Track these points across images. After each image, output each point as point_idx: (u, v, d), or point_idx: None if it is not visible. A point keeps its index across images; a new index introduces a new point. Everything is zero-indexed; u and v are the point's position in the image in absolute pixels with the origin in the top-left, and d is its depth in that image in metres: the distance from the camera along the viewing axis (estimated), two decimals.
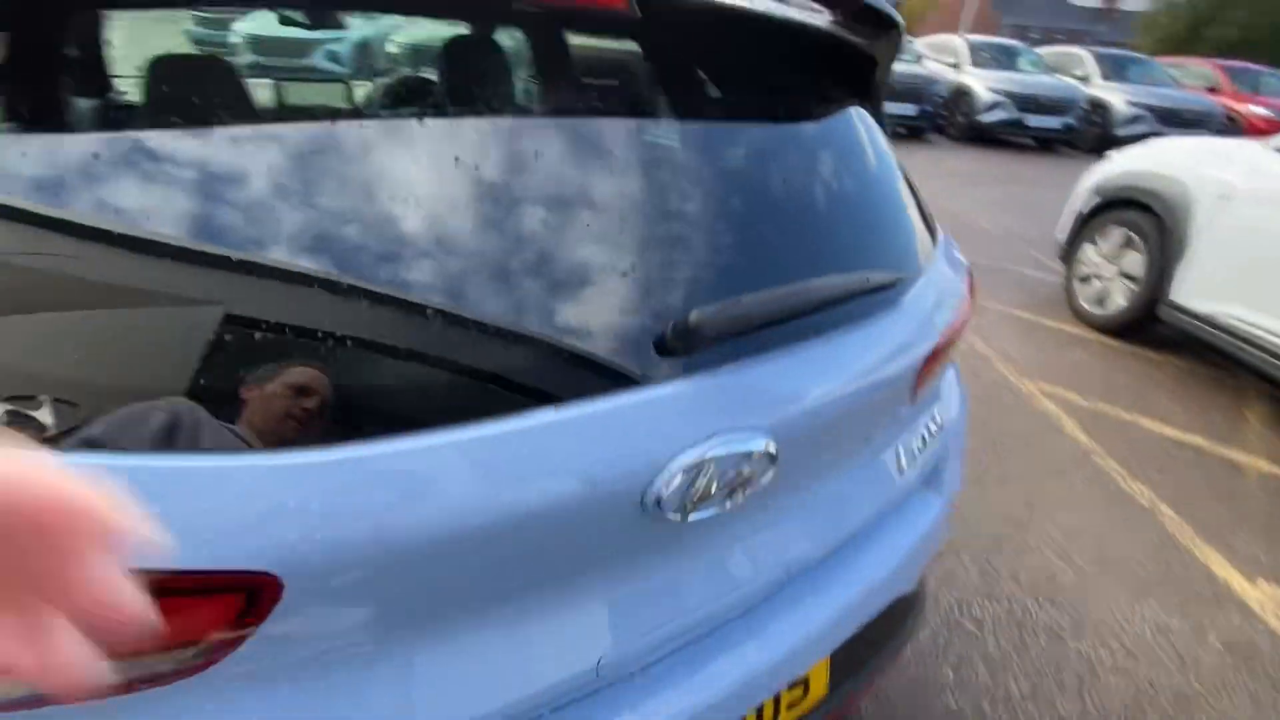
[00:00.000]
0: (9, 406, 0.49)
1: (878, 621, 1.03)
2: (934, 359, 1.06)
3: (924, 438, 1.14)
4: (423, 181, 0.65)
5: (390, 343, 0.60)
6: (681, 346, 0.69)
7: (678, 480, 0.67)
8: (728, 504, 0.73)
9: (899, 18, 1.11)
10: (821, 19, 1.07)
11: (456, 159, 0.66)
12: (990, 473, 2.46)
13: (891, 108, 9.60)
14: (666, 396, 0.69)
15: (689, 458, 0.68)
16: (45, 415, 0.50)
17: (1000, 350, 3.48)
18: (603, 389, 0.66)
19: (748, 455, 0.72)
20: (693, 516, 0.70)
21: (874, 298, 0.96)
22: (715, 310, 0.68)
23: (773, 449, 0.74)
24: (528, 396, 0.63)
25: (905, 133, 10.24)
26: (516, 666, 0.66)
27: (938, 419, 1.20)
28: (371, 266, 0.60)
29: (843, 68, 1.15)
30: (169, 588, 0.51)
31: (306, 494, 0.53)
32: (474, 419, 0.60)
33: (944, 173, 8.20)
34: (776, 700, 0.89)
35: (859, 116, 1.17)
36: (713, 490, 0.70)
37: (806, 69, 1.12)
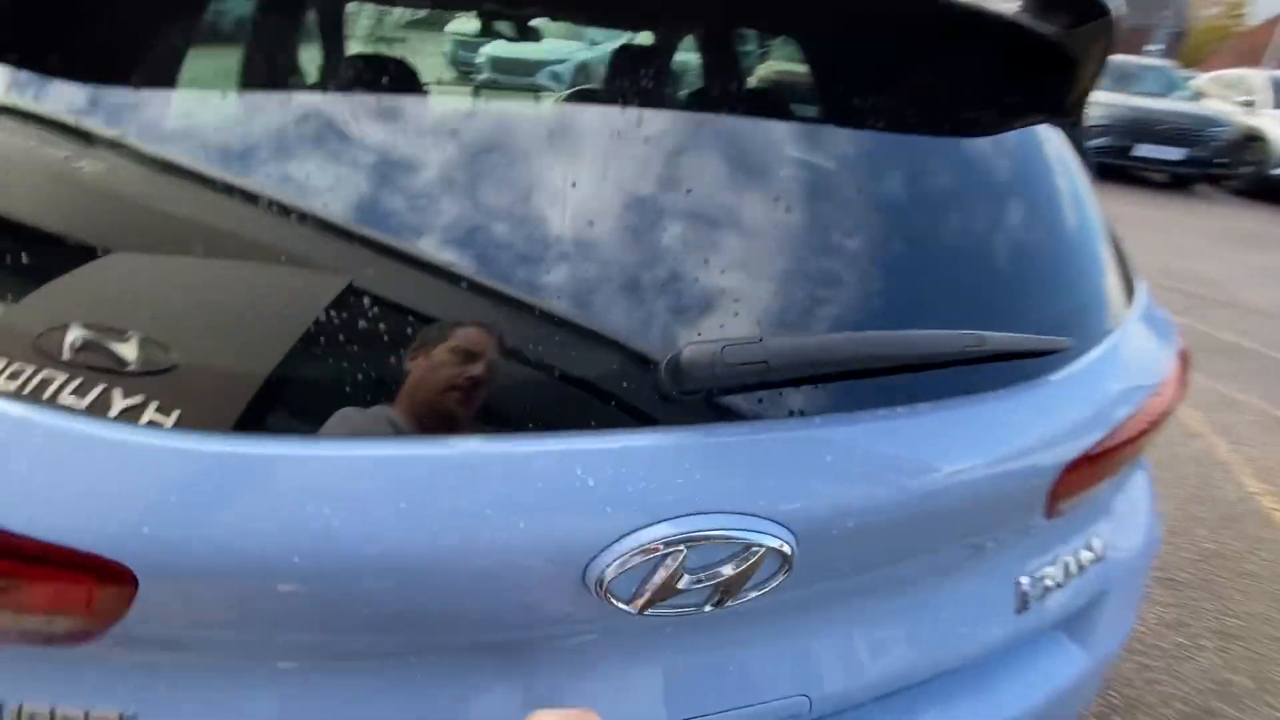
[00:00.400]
0: (88, 334, 0.48)
1: None
2: (1095, 461, 0.76)
3: (1068, 567, 0.83)
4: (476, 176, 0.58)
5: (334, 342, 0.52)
6: (674, 389, 0.52)
7: (633, 562, 0.51)
8: (707, 606, 0.55)
9: (1111, 4, 0.83)
10: (1004, 5, 0.84)
11: (572, 179, 0.60)
12: (1207, 623, 1.87)
13: (1149, 150, 8.15)
14: (644, 449, 0.53)
15: (646, 537, 0.51)
16: (129, 351, 0.48)
17: (1253, 460, 2.68)
18: (561, 424, 0.52)
19: (743, 548, 0.53)
20: (653, 611, 0.53)
21: (1009, 366, 0.71)
22: (718, 349, 0.50)
23: (788, 548, 0.54)
24: (477, 420, 0.52)
25: (1165, 180, 8.64)
26: None
27: (1098, 545, 0.87)
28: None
29: (1032, 70, 0.90)
30: (33, 555, 0.48)
31: (172, 484, 0.47)
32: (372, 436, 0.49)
33: (1212, 231, 6.74)
34: None
35: (1047, 135, 0.91)
36: (678, 585, 0.52)
37: (983, 69, 0.88)
